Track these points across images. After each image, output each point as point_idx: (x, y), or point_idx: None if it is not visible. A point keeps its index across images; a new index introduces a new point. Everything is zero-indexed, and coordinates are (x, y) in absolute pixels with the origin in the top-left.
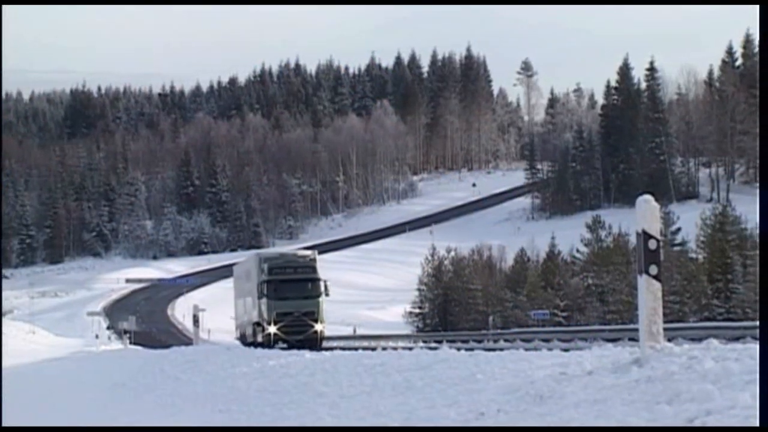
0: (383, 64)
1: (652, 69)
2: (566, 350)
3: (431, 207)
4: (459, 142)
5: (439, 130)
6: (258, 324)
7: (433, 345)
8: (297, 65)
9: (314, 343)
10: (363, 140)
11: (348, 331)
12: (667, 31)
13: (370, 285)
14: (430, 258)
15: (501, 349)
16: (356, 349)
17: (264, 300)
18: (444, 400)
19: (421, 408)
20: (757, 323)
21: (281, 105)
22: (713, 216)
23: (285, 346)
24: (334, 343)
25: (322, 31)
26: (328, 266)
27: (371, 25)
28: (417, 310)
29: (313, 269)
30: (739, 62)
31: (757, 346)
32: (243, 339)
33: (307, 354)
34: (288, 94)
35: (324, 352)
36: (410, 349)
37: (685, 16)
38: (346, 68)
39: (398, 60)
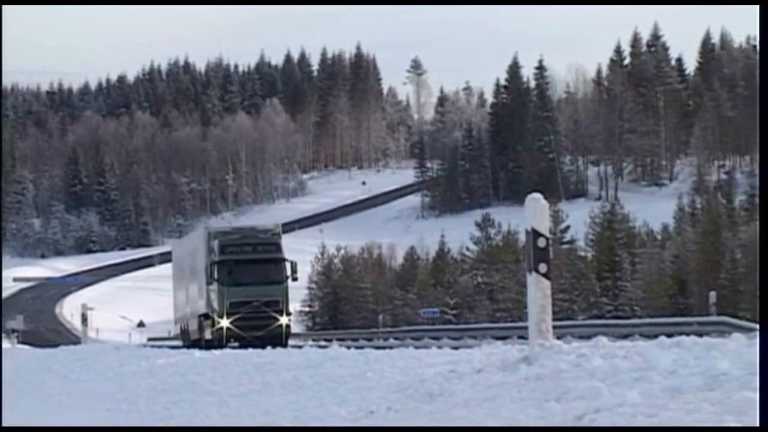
0: (273, 63)
1: (541, 68)
2: (456, 348)
3: (321, 205)
4: (349, 141)
5: (329, 129)
6: (206, 317)
7: (323, 343)
8: (186, 63)
9: (278, 340)
10: (252, 138)
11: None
12: (557, 30)
13: None
14: (319, 256)
15: (391, 348)
16: (246, 347)
17: (214, 286)
18: (334, 398)
19: (310, 406)
20: (646, 320)
21: (170, 103)
22: (602, 214)
23: (239, 344)
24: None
25: (212, 28)
26: None
27: (261, 23)
28: (307, 309)
29: (277, 247)
30: (627, 61)
31: (645, 342)
32: (184, 337)
33: (196, 353)
34: (177, 92)
35: (213, 351)
36: (300, 347)
37: (575, 16)
38: (236, 66)
39: (288, 58)
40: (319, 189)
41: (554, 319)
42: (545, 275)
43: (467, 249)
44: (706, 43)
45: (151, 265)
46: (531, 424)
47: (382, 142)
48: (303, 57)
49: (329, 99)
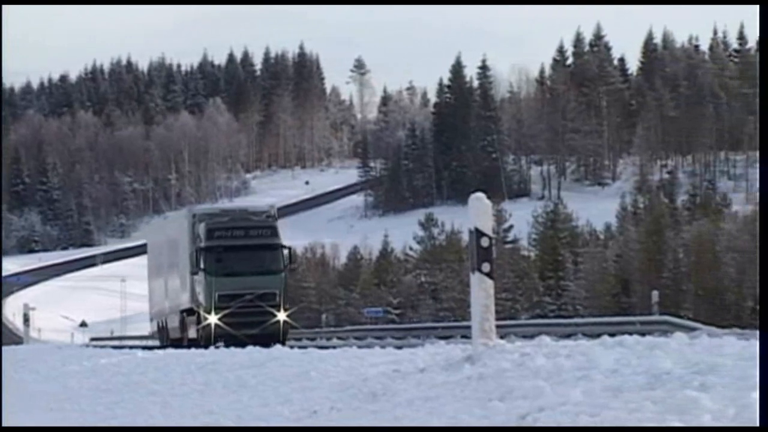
0: (216, 62)
1: (484, 67)
2: (399, 348)
3: (264, 205)
4: (292, 140)
5: (272, 128)
6: (190, 312)
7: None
8: (129, 62)
9: (275, 338)
10: (196, 138)
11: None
12: (500, 30)
13: None
14: None
15: (334, 347)
16: (189, 347)
17: (200, 277)
18: (277, 398)
19: (254, 406)
20: (589, 319)
21: (113, 102)
22: (545, 213)
23: (225, 344)
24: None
25: (154, 28)
26: None
27: (204, 22)
28: None
29: (273, 231)
30: (570, 61)
31: (587, 342)
32: (162, 335)
33: (139, 353)
34: (120, 92)
35: (157, 351)
36: (243, 346)
37: (518, 16)
38: (179, 66)
39: (231, 58)
40: (263, 188)
41: (497, 319)
42: (488, 275)
43: (410, 249)
44: (649, 42)
45: (93, 264)
46: (474, 424)
47: (325, 141)
48: (246, 56)
49: (272, 98)
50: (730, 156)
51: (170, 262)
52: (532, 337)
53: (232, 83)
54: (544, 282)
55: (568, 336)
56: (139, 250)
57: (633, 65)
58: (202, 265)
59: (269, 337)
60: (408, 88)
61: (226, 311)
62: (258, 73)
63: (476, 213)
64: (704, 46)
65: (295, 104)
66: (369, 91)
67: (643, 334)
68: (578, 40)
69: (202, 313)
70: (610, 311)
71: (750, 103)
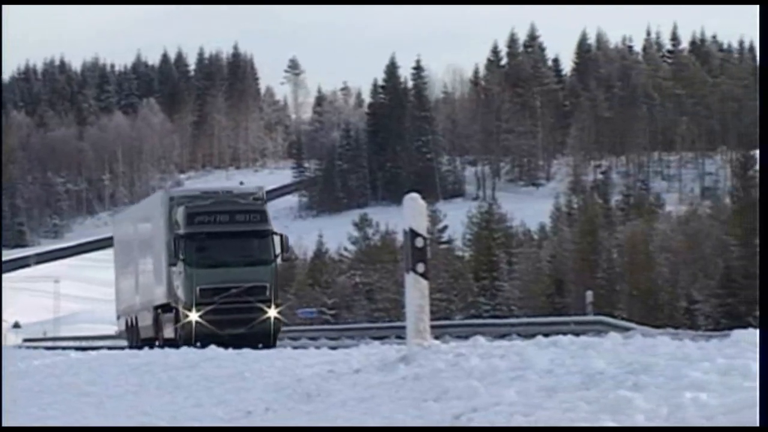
0: (150, 62)
1: (418, 68)
2: (334, 348)
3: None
4: (226, 141)
5: (206, 129)
6: (166, 309)
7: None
8: (62, 62)
9: (265, 338)
10: (129, 138)
11: (114, 330)
12: (434, 31)
13: None
14: None
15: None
16: (123, 348)
17: (179, 268)
18: (211, 398)
19: (188, 407)
20: (524, 320)
21: (46, 102)
22: (479, 214)
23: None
24: (101, 343)
25: (87, 28)
26: (96, 265)
27: (137, 22)
28: None
29: (262, 216)
30: (504, 62)
31: (522, 342)
32: (131, 335)
33: (72, 354)
34: (53, 92)
35: (90, 352)
36: (178, 347)
37: (451, 15)
38: (112, 66)
39: (165, 58)
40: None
41: (432, 319)
42: (423, 275)
43: (345, 249)
44: (582, 43)
45: (27, 265)
46: (409, 424)
47: (259, 142)
48: (180, 56)
49: (207, 99)
50: (664, 156)
51: (142, 252)
52: (466, 337)
53: (165, 83)
54: (478, 282)
55: (503, 336)
56: (73, 251)
57: (567, 66)
58: (181, 255)
59: (258, 337)
60: (342, 89)
61: (209, 307)
62: (192, 73)
63: (411, 213)
64: (638, 47)
65: (229, 105)
66: (303, 92)
67: (577, 334)
68: (512, 41)
69: (181, 309)
70: (545, 311)
71: (683, 104)
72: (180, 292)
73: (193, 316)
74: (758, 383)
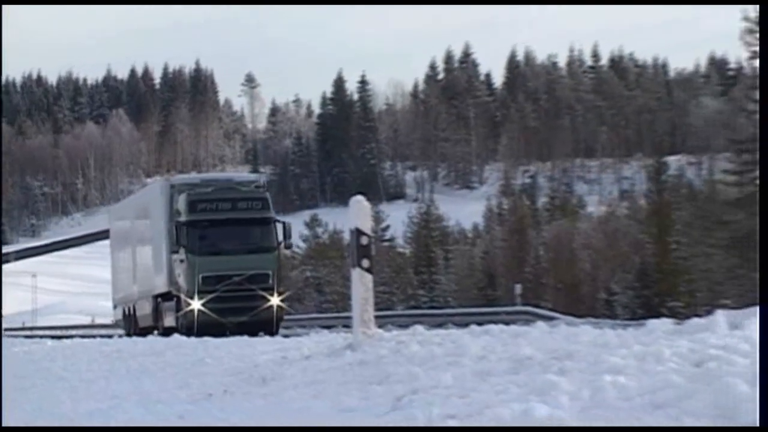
0: (119, 77)
1: (363, 82)
2: (287, 337)
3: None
4: (189, 148)
5: (170, 137)
6: (166, 297)
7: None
8: (39, 77)
9: (268, 326)
10: (101, 146)
11: (87, 320)
12: (377, 48)
13: (108, 278)
14: None
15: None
16: (95, 337)
17: (181, 256)
18: (176, 382)
19: (154, 390)
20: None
21: (24, 113)
22: (419, 215)
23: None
24: (74, 332)
25: (62, 44)
26: (70, 261)
27: (107, 40)
28: None
29: (264, 203)
30: (441, 76)
31: (457, 330)
32: (128, 323)
33: (48, 342)
34: (31, 104)
35: (64, 340)
36: (145, 336)
37: (393, 34)
38: (85, 80)
39: (133, 73)
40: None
41: (376, 310)
42: (368, 270)
43: (297, 246)
44: (512, 60)
45: (7, 261)
46: (355, 406)
47: (219, 149)
48: (146, 71)
49: (170, 110)
50: (585, 162)
51: (141, 240)
52: (407, 326)
53: (133, 96)
54: (418, 276)
55: (440, 325)
56: (49, 249)
57: (498, 80)
58: (184, 242)
59: (260, 325)
60: (294, 101)
61: (212, 295)
62: (157, 86)
63: (356, 214)
64: (562, 63)
65: (191, 115)
66: (259, 104)
67: (507, 324)
68: (448, 58)
69: (183, 297)
70: (478, 303)
71: (602, 115)
72: (182, 281)
73: (196, 304)
74: (758, 383)
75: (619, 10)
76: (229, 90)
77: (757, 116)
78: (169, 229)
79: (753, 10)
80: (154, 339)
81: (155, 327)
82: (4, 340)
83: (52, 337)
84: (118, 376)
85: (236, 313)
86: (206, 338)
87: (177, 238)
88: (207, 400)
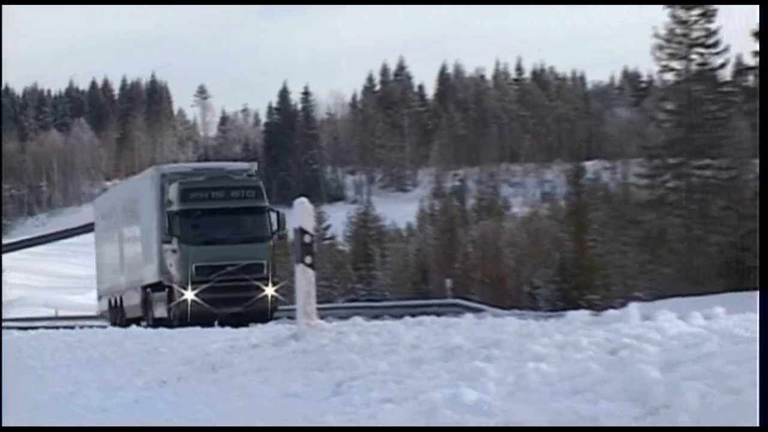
0: (80, 88)
1: (306, 93)
2: (235, 327)
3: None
4: (145, 154)
5: (128, 144)
6: (156, 288)
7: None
8: (6, 88)
9: (262, 317)
10: (63, 152)
11: (51, 312)
12: (318, 60)
13: (70, 273)
14: None
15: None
16: (58, 328)
17: (173, 246)
18: (132, 370)
19: (113, 377)
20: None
21: None
22: (357, 215)
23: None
24: (39, 323)
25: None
26: (35, 258)
27: (69, 53)
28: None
29: (258, 192)
30: (377, 87)
31: (393, 322)
32: (114, 314)
33: (14, 332)
34: None
35: (30, 331)
36: (104, 327)
37: (333, 48)
38: (49, 91)
39: (93, 84)
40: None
41: (318, 303)
42: (310, 266)
43: None
44: (443, 72)
45: None
46: (298, 391)
47: (173, 155)
48: (106, 83)
49: (128, 119)
50: (510, 167)
51: (129, 230)
52: (347, 317)
53: (94, 106)
54: (356, 272)
55: (377, 317)
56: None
57: (430, 91)
58: (176, 231)
59: (255, 316)
60: (243, 110)
61: (205, 286)
62: (116, 97)
63: (300, 215)
64: (489, 76)
65: (147, 124)
66: (210, 113)
67: (438, 315)
68: (384, 70)
69: (175, 288)
70: (412, 296)
71: (526, 123)
72: (174, 271)
73: (189, 294)
74: (758, 383)
75: (541, 26)
76: (182, 100)
77: (757, 117)
78: (161, 219)
79: (663, 27)
80: (112, 330)
81: (143, 318)
82: None
83: (18, 328)
84: (79, 364)
85: (230, 303)
86: (161, 329)
87: (169, 228)
88: (161, 387)
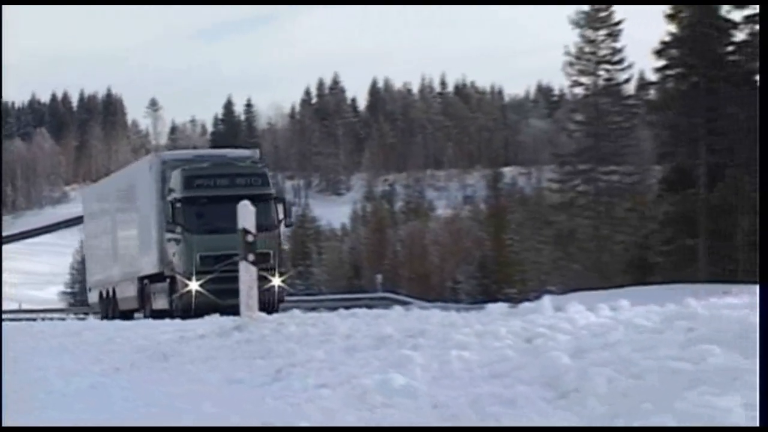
0: (42, 100)
1: (249, 105)
2: (184, 319)
3: (80, 210)
4: (101, 161)
5: (86, 152)
6: (156, 278)
7: (82, 316)
8: None
9: (269, 306)
10: (26, 159)
11: (14, 306)
12: (260, 74)
13: (33, 270)
14: (79, 249)
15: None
16: (21, 320)
17: (177, 234)
18: (90, 358)
19: (71, 364)
20: (329, 296)
21: None
22: (296, 216)
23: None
24: (4, 316)
25: None
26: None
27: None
28: (70, 290)
29: (263, 179)
30: (314, 100)
31: (328, 314)
32: (105, 306)
33: None
34: None
35: None
36: (64, 319)
37: (273, 63)
38: (13, 103)
39: (54, 97)
40: (79, 198)
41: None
42: (252, 263)
43: None
44: (374, 86)
45: None
46: (242, 377)
47: (127, 162)
48: (65, 96)
49: (86, 129)
50: (435, 173)
51: (124, 220)
52: (286, 310)
53: (54, 116)
54: (295, 268)
55: (314, 309)
56: None
57: (362, 104)
58: (180, 220)
59: (261, 306)
60: (191, 121)
61: (209, 276)
62: (75, 109)
63: (243, 216)
64: (415, 90)
65: (103, 133)
66: (161, 123)
67: (370, 307)
68: (320, 84)
69: (179, 278)
70: (346, 290)
71: (449, 133)
72: (177, 260)
73: (193, 285)
74: (758, 383)
75: (464, 44)
76: (135, 112)
77: (757, 118)
78: (161, 207)
79: (573, 46)
80: (71, 322)
81: (139, 309)
82: None
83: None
84: (41, 353)
85: (235, 294)
86: (117, 321)
87: (172, 216)
88: (116, 373)
